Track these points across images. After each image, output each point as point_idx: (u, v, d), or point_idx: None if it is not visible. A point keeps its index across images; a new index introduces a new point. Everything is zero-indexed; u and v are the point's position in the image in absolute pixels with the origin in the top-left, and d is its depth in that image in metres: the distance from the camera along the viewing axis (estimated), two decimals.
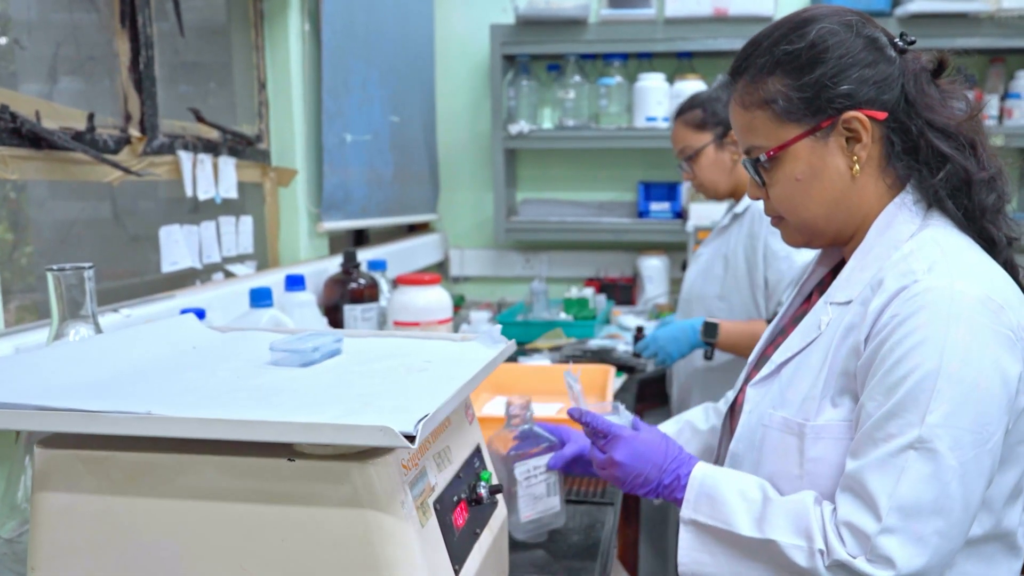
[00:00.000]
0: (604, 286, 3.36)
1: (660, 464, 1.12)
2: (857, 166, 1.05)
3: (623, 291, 3.37)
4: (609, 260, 3.47)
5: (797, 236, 1.14)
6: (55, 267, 1.11)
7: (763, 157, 1.09)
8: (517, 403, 1.31)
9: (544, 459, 1.29)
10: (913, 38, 1.08)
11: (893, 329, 0.95)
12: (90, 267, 1.13)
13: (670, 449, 1.13)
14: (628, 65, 3.25)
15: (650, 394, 2.50)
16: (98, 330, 1.15)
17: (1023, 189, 3.27)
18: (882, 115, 1.04)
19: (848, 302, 1.04)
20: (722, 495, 1.04)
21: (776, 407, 1.08)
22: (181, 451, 0.81)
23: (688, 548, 1.06)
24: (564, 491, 1.33)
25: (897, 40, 1.07)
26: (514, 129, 3.18)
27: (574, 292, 3.01)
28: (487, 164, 3.46)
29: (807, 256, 1.89)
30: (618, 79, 3.20)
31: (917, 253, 1.00)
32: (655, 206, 3.33)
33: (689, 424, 1.40)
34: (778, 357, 1.12)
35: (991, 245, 1.06)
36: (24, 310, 1.54)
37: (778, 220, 1.15)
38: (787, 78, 1.05)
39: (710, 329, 2.07)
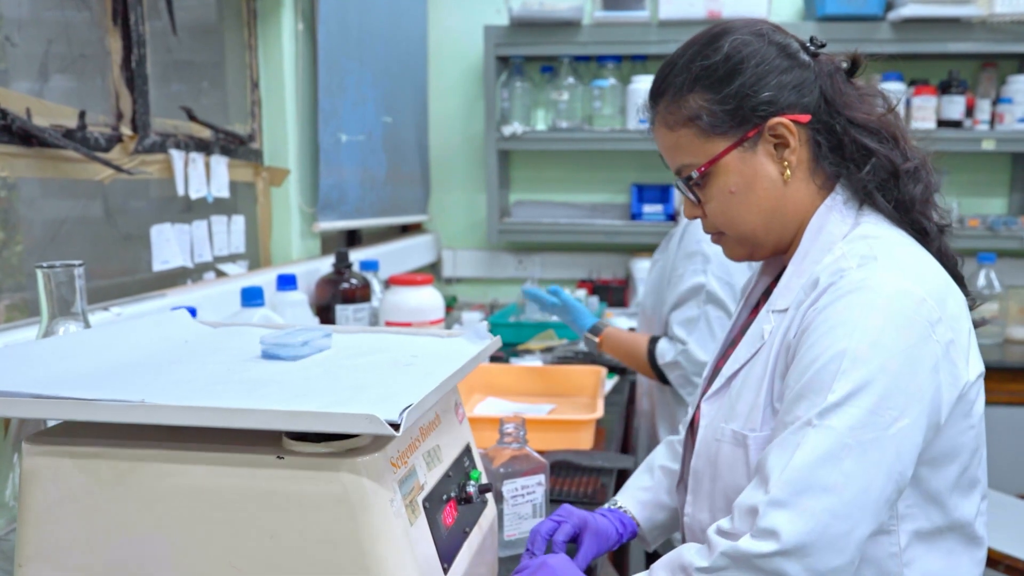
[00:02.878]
0: (597, 288, 3.37)
1: None
2: (788, 171, 1.07)
3: (616, 293, 3.38)
4: (602, 262, 3.47)
5: (739, 249, 1.15)
6: (45, 265, 1.11)
7: (695, 174, 1.09)
8: (511, 423, 1.31)
9: (533, 480, 1.29)
10: (823, 41, 1.10)
11: (812, 319, 0.96)
12: (80, 265, 1.12)
13: None
14: (622, 67, 3.26)
15: None
16: (88, 328, 1.14)
17: (1014, 192, 3.29)
18: (805, 118, 1.06)
19: (787, 309, 1.05)
20: None
21: (727, 420, 1.07)
22: (170, 447, 0.81)
23: None
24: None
25: (808, 44, 1.09)
26: (507, 130, 3.18)
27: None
28: (480, 165, 3.47)
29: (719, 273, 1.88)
30: (612, 81, 3.20)
31: (848, 253, 1.01)
32: (648, 208, 3.33)
33: (663, 469, 1.35)
34: (727, 370, 1.12)
35: (923, 235, 1.07)
36: (14, 309, 1.54)
37: (718, 236, 1.15)
38: (707, 93, 1.06)
39: (593, 333, 2.08)
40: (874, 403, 0.90)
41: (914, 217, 1.06)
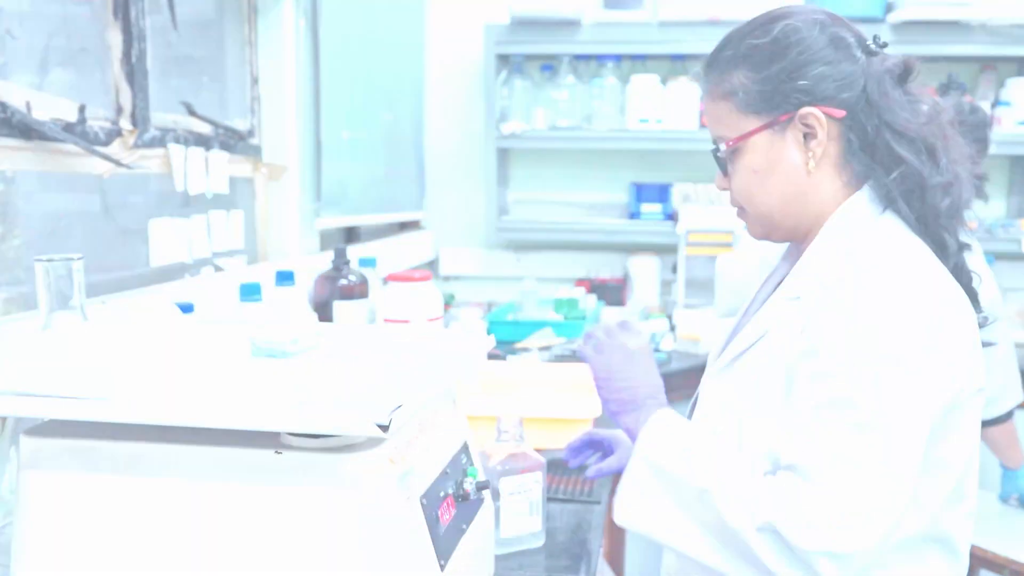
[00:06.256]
0: (594, 286, 3.36)
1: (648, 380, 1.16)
2: (812, 162, 1.08)
3: (613, 292, 3.37)
4: (600, 261, 3.47)
5: (757, 227, 1.17)
6: (44, 258, 1.11)
7: (723, 147, 1.12)
8: (508, 420, 1.30)
9: (530, 478, 1.28)
10: (885, 42, 1.09)
11: (825, 320, 0.99)
12: (79, 258, 1.12)
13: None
14: (621, 66, 3.26)
15: None
16: (85, 322, 1.14)
17: (1012, 195, 3.29)
18: (840, 113, 1.06)
19: (796, 298, 1.07)
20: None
21: (728, 401, 1.10)
22: (168, 442, 0.81)
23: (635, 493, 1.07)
24: (546, 515, 1.33)
25: (869, 42, 1.08)
26: (507, 129, 3.18)
27: (564, 292, 3.02)
28: (479, 163, 3.46)
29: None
30: (611, 80, 3.20)
31: (863, 251, 1.02)
32: (646, 208, 3.33)
33: None
34: (731, 351, 1.14)
35: (942, 249, 1.07)
36: (11, 303, 1.54)
37: (741, 211, 1.18)
38: (750, 72, 1.08)
39: None
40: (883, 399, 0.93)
41: (935, 230, 1.07)
